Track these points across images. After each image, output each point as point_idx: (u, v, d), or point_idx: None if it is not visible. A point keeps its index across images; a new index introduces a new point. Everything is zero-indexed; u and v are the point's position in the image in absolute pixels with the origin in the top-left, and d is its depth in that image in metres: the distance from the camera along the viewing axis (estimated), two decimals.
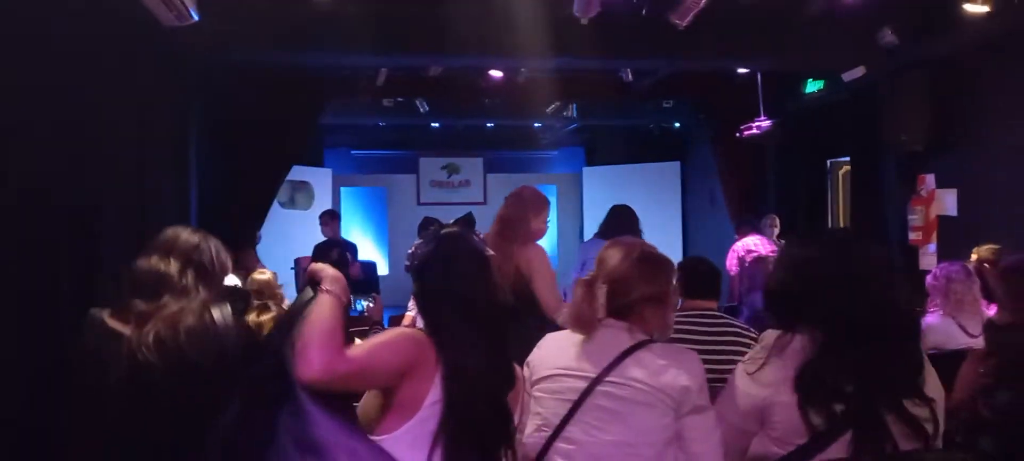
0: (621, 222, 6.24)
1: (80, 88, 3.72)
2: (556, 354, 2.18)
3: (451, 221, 2.08)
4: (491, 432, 1.90)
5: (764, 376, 1.95)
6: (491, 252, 2.05)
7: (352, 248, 7.80)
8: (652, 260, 2.23)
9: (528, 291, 3.73)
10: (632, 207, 5.79)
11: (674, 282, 2.32)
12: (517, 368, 2.09)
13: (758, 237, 7.04)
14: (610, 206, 5.93)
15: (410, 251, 2.01)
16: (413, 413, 1.85)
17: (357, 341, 2.53)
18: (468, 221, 2.11)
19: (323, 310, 1.82)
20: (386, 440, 1.83)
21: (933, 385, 1.96)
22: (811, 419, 1.85)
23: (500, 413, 1.93)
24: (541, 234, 3.93)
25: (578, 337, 2.16)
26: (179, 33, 4.82)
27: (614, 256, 2.22)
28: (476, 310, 1.94)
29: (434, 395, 1.86)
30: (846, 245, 2.07)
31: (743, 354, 3.05)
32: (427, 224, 2.59)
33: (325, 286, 1.87)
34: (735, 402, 2.00)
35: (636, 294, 2.15)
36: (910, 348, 1.95)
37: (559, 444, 2.07)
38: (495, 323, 1.97)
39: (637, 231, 5.73)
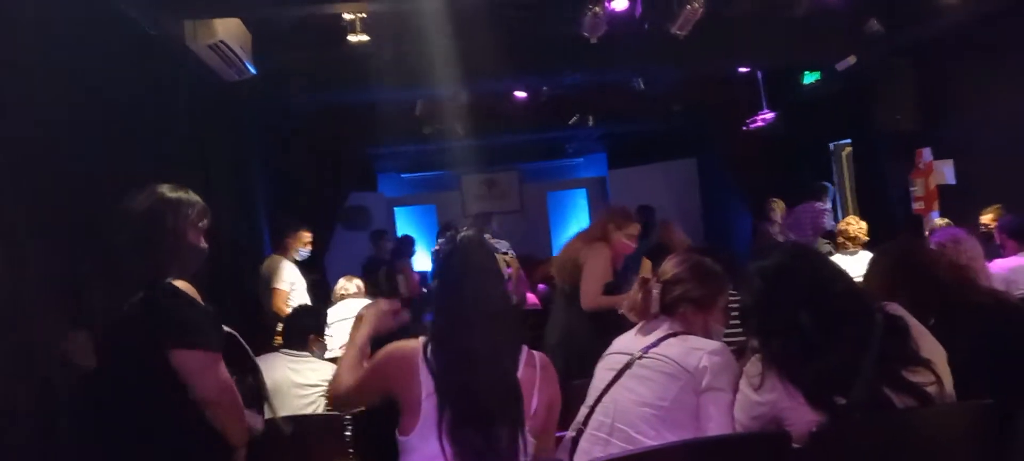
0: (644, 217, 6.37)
1: (152, 143, 3.82)
2: (617, 342, 2.32)
3: (467, 224, 2.13)
4: (493, 412, 1.90)
5: (766, 393, 1.91)
6: (500, 248, 2.12)
7: (408, 243, 7.73)
8: (702, 267, 2.30)
9: (575, 284, 3.89)
10: (656, 204, 5.79)
11: (725, 296, 2.31)
12: (541, 356, 2.09)
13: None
14: (636, 205, 5.91)
15: (434, 249, 2.12)
16: (418, 411, 1.93)
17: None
18: (482, 220, 2.21)
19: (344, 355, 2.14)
20: (404, 441, 1.94)
21: (929, 346, 1.90)
22: (824, 415, 1.82)
23: (502, 394, 1.93)
24: (625, 248, 3.96)
25: (635, 328, 2.29)
26: (239, 85, 4.92)
27: (671, 261, 2.33)
28: (486, 300, 1.98)
29: (427, 388, 1.93)
30: (795, 252, 2.11)
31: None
32: (445, 228, 2.61)
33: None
34: (749, 413, 1.97)
35: (680, 292, 2.23)
36: (886, 318, 1.90)
37: (600, 405, 2.17)
38: (500, 313, 2.00)
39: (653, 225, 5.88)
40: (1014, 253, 4.20)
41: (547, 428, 2.05)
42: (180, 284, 2.05)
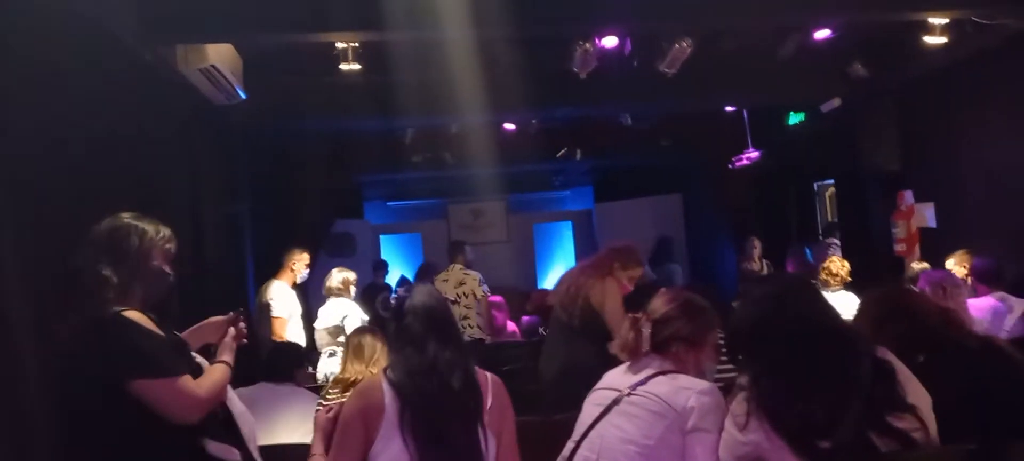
0: (660, 249, 6.53)
1: (140, 162, 3.81)
2: (607, 378, 2.33)
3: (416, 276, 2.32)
4: (451, 407, 2.13)
5: (750, 434, 1.89)
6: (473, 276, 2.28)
7: (382, 266, 8.60)
8: (692, 306, 2.30)
9: (592, 317, 3.83)
10: (640, 238, 5.82)
11: (715, 333, 2.31)
12: (491, 375, 2.28)
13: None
14: (622, 237, 5.91)
15: (394, 298, 2.25)
16: (381, 417, 2.11)
17: None
18: (457, 248, 2.47)
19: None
20: (374, 451, 2.09)
21: (915, 391, 1.89)
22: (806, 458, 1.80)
23: (458, 389, 2.15)
24: (624, 290, 3.98)
25: (624, 365, 2.29)
26: (229, 110, 4.93)
27: (661, 298, 2.33)
28: (434, 321, 2.23)
29: (389, 397, 2.13)
30: (788, 284, 2.12)
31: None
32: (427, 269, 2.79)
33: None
34: (733, 453, 1.96)
35: (670, 331, 2.22)
36: (874, 362, 1.88)
37: (586, 440, 2.17)
38: (448, 331, 2.24)
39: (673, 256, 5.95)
40: (986, 295, 4.28)
41: (503, 433, 2.22)
42: (132, 314, 2.02)
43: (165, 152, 4.30)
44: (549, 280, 10.35)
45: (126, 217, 2.16)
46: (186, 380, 2.03)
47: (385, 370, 2.21)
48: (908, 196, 6.23)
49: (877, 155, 6.31)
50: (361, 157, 7.84)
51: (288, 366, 3.70)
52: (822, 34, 5.22)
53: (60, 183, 2.87)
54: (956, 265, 4.74)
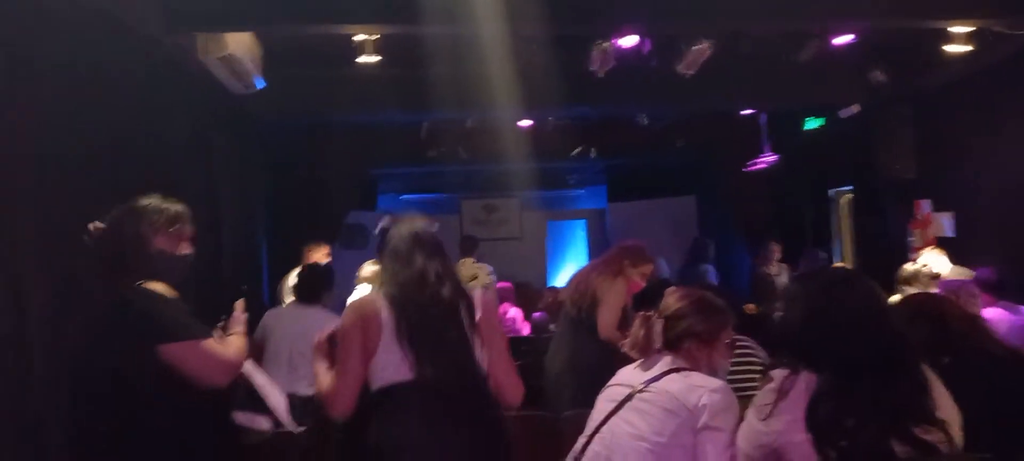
0: (696, 249, 6.95)
1: (158, 149, 3.84)
2: (620, 374, 2.32)
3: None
4: (443, 313, 2.19)
5: (774, 421, 1.88)
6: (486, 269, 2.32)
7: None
8: (705, 303, 2.29)
9: (591, 314, 3.91)
10: (652, 238, 5.80)
11: (728, 330, 2.30)
12: (476, 290, 2.32)
13: None
14: (635, 237, 5.94)
15: (380, 229, 2.34)
16: (380, 334, 2.15)
17: None
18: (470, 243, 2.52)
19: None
20: (372, 365, 2.14)
21: (946, 406, 1.86)
22: (826, 457, 1.79)
23: (450, 296, 2.22)
24: (636, 286, 4.02)
25: (637, 362, 2.29)
26: (246, 98, 4.96)
27: (674, 295, 2.32)
28: (419, 239, 2.28)
29: (386, 312, 2.16)
30: (840, 283, 2.00)
31: (756, 372, 3.03)
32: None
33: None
34: (751, 442, 1.95)
35: (683, 328, 2.22)
36: (913, 374, 1.86)
37: (598, 436, 2.18)
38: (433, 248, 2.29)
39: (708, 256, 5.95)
40: (990, 305, 4.26)
41: (492, 349, 2.26)
42: (153, 285, 2.08)
43: (183, 140, 4.34)
44: (561, 278, 10.36)
45: (142, 200, 2.21)
46: (211, 342, 2.09)
47: (381, 288, 2.27)
48: (925, 205, 6.19)
49: (895, 162, 6.26)
50: (376, 150, 7.87)
51: (317, 289, 4.15)
52: (843, 39, 5.18)
53: (79, 168, 2.90)
54: (934, 252, 4.82)
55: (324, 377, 2.21)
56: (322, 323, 3.76)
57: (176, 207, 2.23)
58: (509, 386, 2.28)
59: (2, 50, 2.43)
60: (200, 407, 2.06)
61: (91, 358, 2.07)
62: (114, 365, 2.02)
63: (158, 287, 2.09)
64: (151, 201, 2.20)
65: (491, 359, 2.25)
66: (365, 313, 2.18)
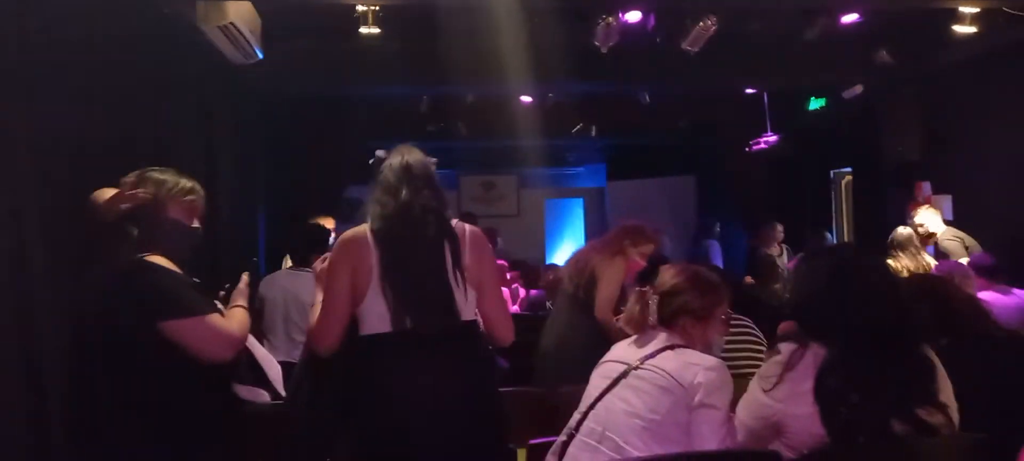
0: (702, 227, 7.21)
1: (156, 117, 3.81)
2: (615, 350, 2.29)
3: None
4: (424, 257, 2.13)
5: (778, 393, 1.89)
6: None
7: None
8: (700, 279, 2.26)
9: (588, 292, 3.88)
10: (651, 217, 5.80)
11: (724, 306, 2.28)
12: (470, 227, 2.26)
13: None
14: (633, 216, 5.95)
15: (377, 156, 2.28)
16: (370, 277, 2.11)
17: None
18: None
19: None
20: (360, 309, 2.11)
21: (948, 390, 1.88)
22: (831, 428, 1.80)
23: (428, 240, 2.14)
24: (636, 265, 3.99)
25: (632, 337, 2.26)
26: (245, 69, 4.91)
27: (669, 271, 2.29)
28: (408, 171, 2.20)
29: (371, 246, 2.12)
30: (851, 259, 2.01)
31: (754, 350, 3.04)
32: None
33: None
34: (752, 412, 1.96)
35: (678, 304, 2.19)
36: (919, 356, 1.87)
37: (593, 412, 2.16)
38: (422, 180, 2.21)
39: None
40: (984, 289, 4.27)
41: (483, 287, 2.20)
42: (156, 258, 2.05)
43: (181, 108, 4.30)
44: (558, 256, 10.36)
45: (150, 170, 2.17)
46: (215, 317, 2.06)
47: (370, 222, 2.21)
48: (926, 187, 6.17)
49: (898, 144, 6.25)
50: (375, 123, 7.82)
51: (309, 251, 3.98)
52: (849, 18, 5.14)
53: (76, 136, 2.87)
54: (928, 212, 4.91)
55: (317, 310, 2.18)
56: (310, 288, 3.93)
57: (191, 181, 2.21)
58: (499, 324, 2.25)
59: None
60: (202, 379, 2.03)
61: (92, 329, 2.04)
62: (116, 337, 1.99)
63: (161, 260, 2.05)
64: (164, 173, 2.17)
65: (481, 297, 2.21)
66: (354, 250, 2.14)
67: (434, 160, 2.30)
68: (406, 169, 2.20)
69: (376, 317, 2.11)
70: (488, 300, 2.23)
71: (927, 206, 5.25)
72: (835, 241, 6.92)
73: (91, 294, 2.04)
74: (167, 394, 2.00)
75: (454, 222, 2.23)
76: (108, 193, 2.12)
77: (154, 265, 2.03)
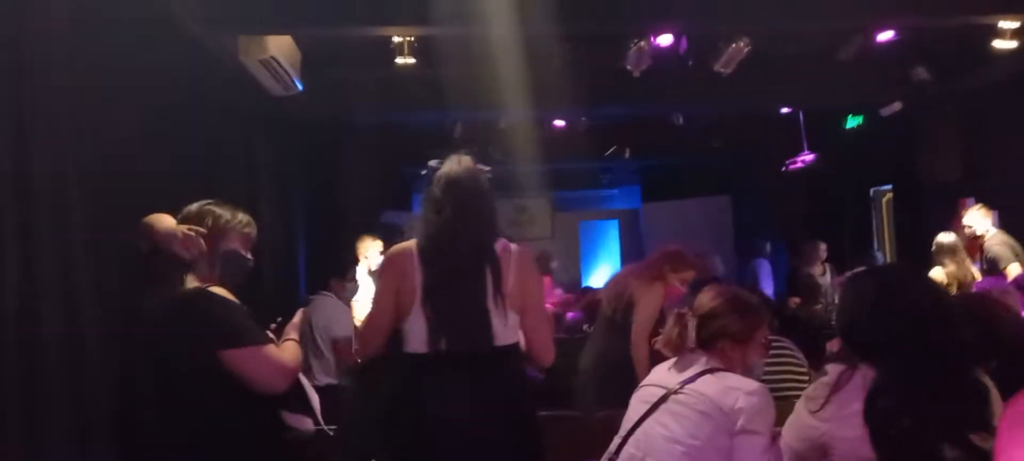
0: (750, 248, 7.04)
1: (199, 149, 3.91)
2: (654, 374, 2.29)
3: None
4: (466, 275, 2.15)
5: (825, 414, 1.86)
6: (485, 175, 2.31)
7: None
8: (739, 301, 2.25)
9: (626, 316, 3.88)
10: (687, 239, 5.76)
11: (763, 329, 2.26)
12: (518, 247, 2.27)
13: None
14: (668, 238, 5.93)
15: (431, 166, 2.31)
16: (414, 295, 2.16)
17: None
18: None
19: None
20: (403, 325, 2.18)
21: (999, 414, 1.84)
22: (881, 450, 1.76)
23: (475, 258, 2.16)
24: (676, 292, 3.99)
25: (671, 361, 2.25)
26: (285, 100, 5.04)
27: (708, 294, 2.28)
28: (453, 187, 2.22)
29: (419, 275, 2.16)
30: (904, 278, 1.97)
31: (795, 373, 3.00)
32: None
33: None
34: (798, 434, 1.93)
35: (716, 327, 2.18)
36: (972, 379, 1.82)
37: (632, 437, 2.15)
38: (466, 198, 2.22)
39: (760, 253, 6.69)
40: None
41: (526, 309, 2.21)
42: (215, 289, 2.11)
43: (224, 140, 4.42)
44: (594, 279, 10.33)
45: (206, 203, 2.23)
46: (272, 349, 2.10)
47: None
48: (970, 204, 6.05)
49: (937, 162, 6.14)
50: (411, 150, 7.93)
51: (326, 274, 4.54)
52: (885, 36, 5.09)
53: (121, 169, 2.94)
54: (979, 212, 4.79)
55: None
56: (327, 311, 4.39)
57: (246, 214, 2.28)
58: (539, 345, 2.27)
59: (44, 49, 2.49)
60: (253, 406, 2.07)
61: (149, 353, 2.11)
62: (174, 362, 2.05)
63: (220, 290, 2.11)
64: (220, 206, 2.23)
65: (523, 318, 2.22)
66: (399, 266, 2.18)
67: (486, 170, 2.29)
68: (453, 184, 2.21)
69: (416, 336, 2.15)
70: (529, 320, 2.24)
71: (979, 206, 5.09)
72: (884, 260, 6.79)
73: (150, 319, 2.09)
74: (219, 418, 2.05)
75: (500, 244, 2.22)
76: (165, 220, 2.18)
77: (214, 295, 2.08)
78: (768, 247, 8.25)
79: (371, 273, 5.57)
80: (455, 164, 2.26)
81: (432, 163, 2.29)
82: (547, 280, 7.47)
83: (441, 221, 2.17)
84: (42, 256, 2.32)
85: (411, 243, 2.22)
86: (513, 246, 2.25)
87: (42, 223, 2.35)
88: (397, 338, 2.21)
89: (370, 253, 5.58)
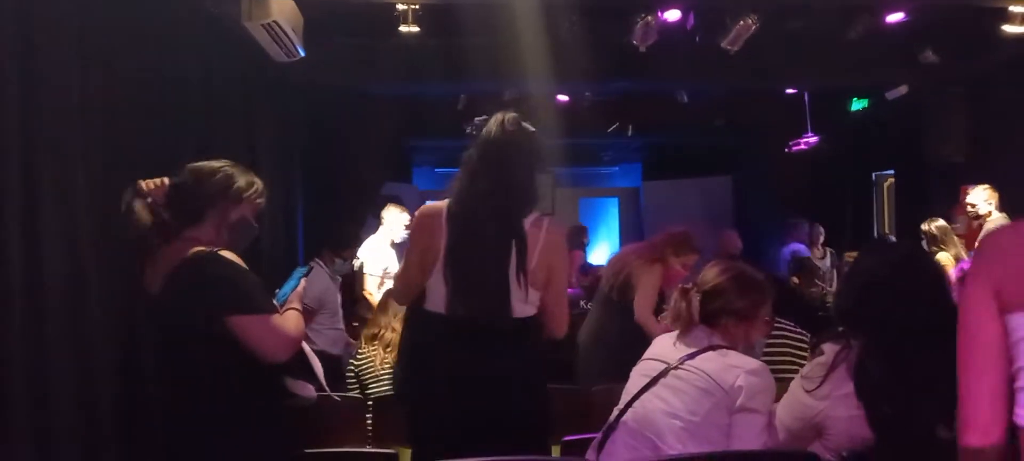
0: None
1: (200, 112, 3.88)
2: (655, 347, 2.29)
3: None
4: (489, 246, 2.15)
5: (821, 392, 1.88)
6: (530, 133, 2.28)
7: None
8: (744, 278, 2.24)
9: (622, 294, 3.91)
10: (687, 218, 5.77)
11: (767, 307, 2.27)
12: (551, 221, 2.28)
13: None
14: (669, 217, 5.93)
15: (477, 122, 2.26)
16: (439, 256, 2.20)
17: None
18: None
19: None
20: (428, 285, 2.22)
21: None
22: (875, 421, 1.78)
23: (501, 230, 2.16)
24: (677, 275, 3.98)
25: (673, 335, 2.26)
26: (287, 66, 4.99)
27: (713, 270, 2.28)
28: (491, 151, 2.21)
29: (444, 238, 2.18)
30: (907, 256, 1.99)
31: (795, 352, 3.01)
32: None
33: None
34: (793, 413, 1.95)
35: (720, 304, 2.18)
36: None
37: (631, 409, 2.17)
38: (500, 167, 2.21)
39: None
40: None
41: (549, 286, 2.23)
42: (227, 254, 2.09)
43: (224, 103, 4.39)
44: (593, 256, 10.32)
45: (226, 164, 2.21)
46: (277, 318, 2.09)
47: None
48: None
49: (942, 146, 6.12)
50: (412, 121, 7.88)
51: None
52: (894, 17, 5.04)
53: (119, 131, 2.91)
54: (984, 192, 4.77)
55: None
56: (313, 282, 4.19)
57: (258, 180, 2.26)
58: (556, 318, 2.30)
59: (44, 12, 2.46)
60: (258, 370, 2.06)
61: (158, 311, 2.10)
62: (183, 321, 2.04)
63: (230, 255, 2.09)
64: (235, 168, 2.21)
65: (544, 295, 2.24)
66: (427, 227, 2.23)
67: (531, 132, 2.24)
68: (488, 150, 2.20)
69: (436, 296, 2.19)
70: (550, 296, 2.26)
71: (985, 186, 5.05)
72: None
73: (160, 285, 2.06)
74: (226, 386, 2.05)
75: (532, 218, 2.21)
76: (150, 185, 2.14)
77: (227, 259, 2.06)
78: (807, 228, 7.95)
79: (394, 244, 5.57)
80: (496, 127, 2.23)
81: (477, 120, 2.30)
82: (577, 255, 7.46)
83: (474, 189, 2.17)
84: (45, 230, 2.32)
85: (443, 204, 2.23)
86: (545, 220, 2.24)
87: (45, 192, 2.35)
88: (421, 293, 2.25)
89: (394, 225, 5.54)
